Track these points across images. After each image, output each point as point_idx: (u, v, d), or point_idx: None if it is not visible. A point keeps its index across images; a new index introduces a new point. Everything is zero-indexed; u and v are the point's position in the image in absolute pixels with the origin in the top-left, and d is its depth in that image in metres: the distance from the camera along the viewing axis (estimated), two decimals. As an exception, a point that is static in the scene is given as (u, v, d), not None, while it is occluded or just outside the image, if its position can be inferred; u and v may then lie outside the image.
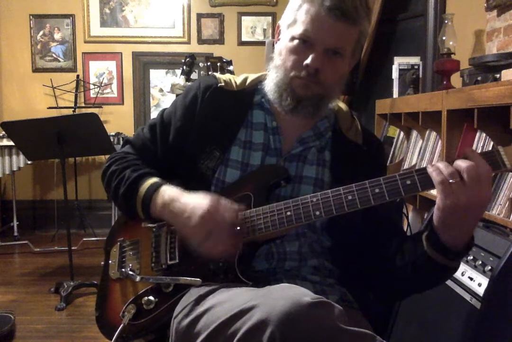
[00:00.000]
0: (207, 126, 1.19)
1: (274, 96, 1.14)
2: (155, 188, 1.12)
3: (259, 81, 1.23)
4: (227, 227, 1.01)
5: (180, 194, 1.09)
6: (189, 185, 1.19)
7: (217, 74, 1.26)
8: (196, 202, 1.04)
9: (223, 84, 1.21)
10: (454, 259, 0.99)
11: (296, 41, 1.08)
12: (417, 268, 1.03)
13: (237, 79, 1.24)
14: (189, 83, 3.20)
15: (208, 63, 2.95)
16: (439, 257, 0.98)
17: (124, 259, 1.19)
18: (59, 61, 4.74)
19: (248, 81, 1.23)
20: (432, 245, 0.98)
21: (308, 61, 1.06)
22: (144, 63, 4.78)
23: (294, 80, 1.10)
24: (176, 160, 1.23)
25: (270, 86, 1.15)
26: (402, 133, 2.64)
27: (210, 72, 2.88)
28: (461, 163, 0.89)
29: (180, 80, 3.38)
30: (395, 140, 2.72)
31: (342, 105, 1.26)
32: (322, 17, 1.04)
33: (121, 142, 4.18)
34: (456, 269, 1.03)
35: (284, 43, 1.12)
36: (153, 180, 1.15)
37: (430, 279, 1.07)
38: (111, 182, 1.22)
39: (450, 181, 0.88)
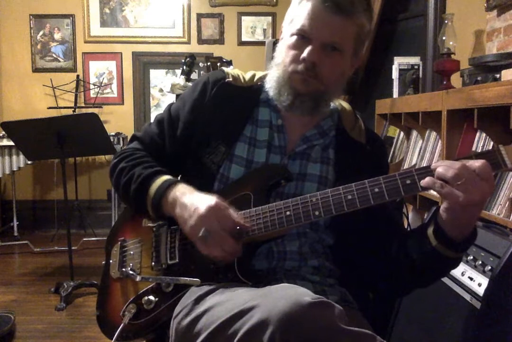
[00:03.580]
0: (214, 121, 1.19)
1: (273, 92, 1.14)
2: (166, 186, 1.11)
3: (265, 78, 1.23)
4: (223, 231, 0.99)
5: (190, 191, 1.08)
6: (193, 180, 1.19)
7: (226, 69, 1.26)
8: (201, 201, 1.03)
9: (231, 79, 1.21)
10: (464, 250, 1.01)
11: (294, 37, 1.09)
12: (426, 264, 1.04)
13: (245, 75, 1.24)
14: (189, 83, 3.21)
15: (208, 63, 2.95)
16: (449, 252, 1.00)
17: (124, 259, 1.20)
18: (59, 61, 4.74)
19: (256, 78, 1.24)
20: (442, 241, 0.99)
21: (304, 54, 1.06)
22: (144, 63, 4.78)
23: (293, 75, 1.10)
24: (182, 154, 1.22)
25: (270, 83, 1.16)
26: (402, 133, 2.65)
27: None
28: (472, 165, 0.90)
29: (180, 80, 3.38)
30: (395, 140, 2.72)
31: (346, 105, 1.26)
32: (318, 11, 1.05)
33: (121, 142, 4.20)
34: (462, 257, 1.07)
35: (284, 41, 1.13)
36: (164, 178, 1.14)
37: (439, 272, 1.10)
38: (120, 179, 1.20)
39: (458, 182, 0.88)
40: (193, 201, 1.04)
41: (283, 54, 1.12)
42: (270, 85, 1.16)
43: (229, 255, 1.01)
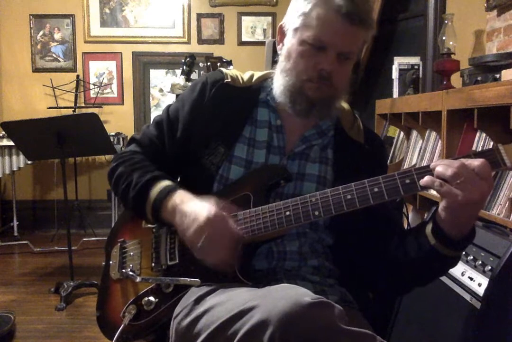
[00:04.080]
0: (213, 122, 1.19)
1: (286, 100, 1.14)
2: (165, 193, 1.10)
3: (264, 78, 1.23)
4: (223, 240, 1.00)
5: (189, 198, 1.08)
6: (192, 181, 1.19)
7: (224, 69, 1.25)
8: (202, 208, 1.03)
9: (229, 80, 1.21)
10: (463, 248, 1.01)
11: (307, 46, 1.08)
12: (425, 263, 1.04)
13: (244, 75, 1.24)
14: (189, 83, 3.21)
15: (208, 63, 2.95)
16: (448, 251, 0.99)
17: (124, 260, 1.20)
18: (59, 61, 4.74)
19: (255, 78, 1.23)
20: (440, 240, 0.99)
21: (323, 65, 1.07)
22: (144, 63, 4.78)
23: (307, 84, 1.10)
24: (182, 155, 1.21)
25: (280, 90, 1.15)
26: (402, 133, 2.65)
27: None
28: (471, 163, 0.90)
29: (180, 80, 3.38)
30: (395, 140, 2.72)
31: (345, 104, 1.26)
32: (337, 22, 1.04)
33: (121, 142, 4.20)
34: (461, 256, 1.06)
35: (293, 47, 1.11)
36: (162, 184, 1.13)
37: (438, 270, 1.10)
38: (118, 185, 1.20)
39: (457, 181, 0.88)
40: (192, 210, 1.04)
41: (293, 61, 1.11)
42: (280, 92, 1.14)
43: (225, 263, 1.01)
